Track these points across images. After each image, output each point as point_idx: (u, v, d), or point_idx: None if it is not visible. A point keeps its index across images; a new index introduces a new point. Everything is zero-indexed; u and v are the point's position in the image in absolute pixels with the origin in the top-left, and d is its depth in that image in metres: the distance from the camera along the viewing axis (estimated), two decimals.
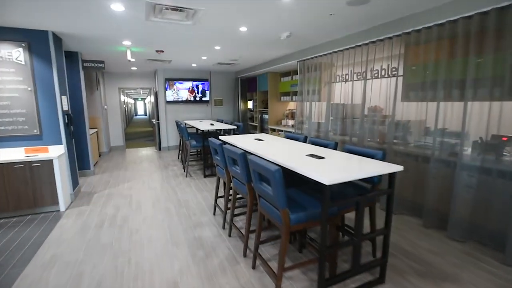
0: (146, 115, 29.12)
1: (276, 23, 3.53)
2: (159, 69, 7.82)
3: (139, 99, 32.81)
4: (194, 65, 7.07)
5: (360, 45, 4.12)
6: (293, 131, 6.10)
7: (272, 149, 2.90)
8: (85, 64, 5.12)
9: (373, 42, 3.88)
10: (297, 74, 6.60)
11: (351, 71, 4.61)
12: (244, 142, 3.35)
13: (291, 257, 2.58)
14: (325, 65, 5.00)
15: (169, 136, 8.28)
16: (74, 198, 4.11)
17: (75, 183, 4.22)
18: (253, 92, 8.36)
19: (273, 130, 7.21)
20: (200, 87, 8.37)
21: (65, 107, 4.03)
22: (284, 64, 5.90)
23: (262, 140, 3.51)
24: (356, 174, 1.93)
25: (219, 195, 3.69)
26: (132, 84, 8.52)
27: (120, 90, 8.46)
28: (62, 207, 3.67)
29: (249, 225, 2.53)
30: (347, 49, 4.37)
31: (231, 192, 3.11)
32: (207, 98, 8.49)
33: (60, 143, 3.85)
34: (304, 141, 3.51)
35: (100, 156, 7.34)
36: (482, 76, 2.71)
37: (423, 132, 3.68)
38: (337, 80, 4.86)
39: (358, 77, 4.41)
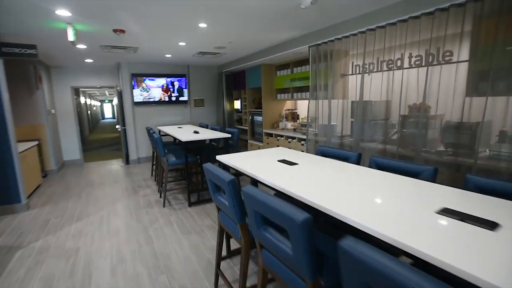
0: (114, 118, 26.61)
1: None
2: (123, 62, 6.20)
3: (106, 101, 30.08)
4: (168, 55, 5.56)
5: (394, 23, 2.98)
6: (295, 136, 4.85)
7: (336, 188, 1.59)
8: (4, 50, 3.47)
9: (416, 17, 2.76)
10: (298, 65, 5.38)
11: (378, 58, 3.48)
12: (266, 171, 2.02)
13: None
14: (344, 52, 3.80)
15: (140, 146, 6.68)
16: None
17: None
18: (241, 89, 7.00)
19: (270, 135, 5.91)
20: (176, 84, 6.86)
21: None
22: (287, 52, 4.61)
23: (293, 163, 2.18)
24: None
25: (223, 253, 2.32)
26: (89, 81, 6.80)
27: (73, 89, 6.70)
28: None
29: None
30: (381, 27, 3.19)
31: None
32: (185, 98, 7.00)
33: None
34: (358, 161, 2.25)
35: (45, 176, 5.60)
36: None
37: (497, 138, 2.62)
38: (358, 71, 3.69)
39: (390, 66, 3.28)
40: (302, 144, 4.91)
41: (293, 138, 5.20)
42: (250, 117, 6.64)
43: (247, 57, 5.89)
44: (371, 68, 3.69)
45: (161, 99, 6.72)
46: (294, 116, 5.73)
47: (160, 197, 4.18)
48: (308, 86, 5.17)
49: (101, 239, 2.95)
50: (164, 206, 3.80)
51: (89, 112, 15.98)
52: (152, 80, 6.55)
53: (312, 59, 4.09)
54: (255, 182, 2.04)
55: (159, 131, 5.42)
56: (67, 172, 5.99)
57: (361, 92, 3.74)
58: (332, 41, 3.75)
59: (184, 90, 6.95)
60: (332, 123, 4.12)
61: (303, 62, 5.32)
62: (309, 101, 4.19)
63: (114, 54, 5.20)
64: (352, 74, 3.88)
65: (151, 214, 3.56)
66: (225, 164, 2.35)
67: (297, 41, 4.31)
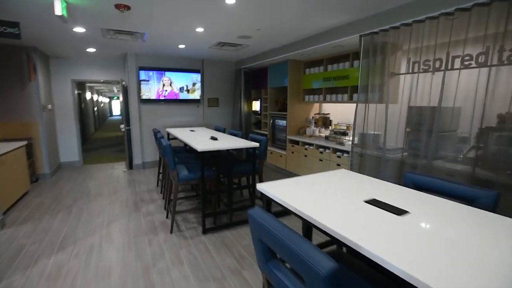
0: (121, 114, 26.09)
1: None
2: (130, 53, 5.45)
3: (115, 97, 29.67)
4: (181, 46, 4.78)
5: (468, 8, 2.17)
6: (328, 145, 3.99)
7: None
8: None
9: None
10: (333, 62, 4.52)
11: (448, 53, 2.70)
12: (361, 228, 1.17)
13: None
14: (396, 45, 2.97)
15: (145, 149, 5.91)
16: None
17: None
18: (261, 89, 6.18)
19: (295, 142, 5.07)
20: (190, 80, 6.08)
21: None
22: (328, 44, 3.77)
23: (396, 209, 1.32)
24: None
25: None
26: (92, 74, 6.06)
27: (74, 82, 5.97)
28: None
29: None
30: (463, 9, 2.36)
31: None
32: (197, 97, 6.21)
33: None
34: (494, 204, 1.39)
35: (36, 181, 4.86)
36: None
37: None
38: (415, 70, 2.88)
39: (466, 62, 2.48)
40: (339, 156, 4.06)
41: (326, 148, 4.34)
42: (271, 121, 5.81)
43: (272, 51, 5.06)
44: (436, 65, 2.85)
45: (170, 96, 5.94)
46: (326, 122, 4.88)
47: (167, 217, 3.36)
48: (345, 87, 4.34)
49: (85, 285, 2.14)
50: (171, 231, 2.98)
51: (95, 108, 15.38)
52: (161, 74, 5.77)
53: (364, 52, 3.23)
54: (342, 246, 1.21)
55: (168, 134, 4.63)
56: (62, 177, 5.24)
57: (421, 94, 2.91)
58: (397, 27, 2.89)
59: (197, 88, 6.16)
60: (374, 132, 3.27)
61: (340, 58, 4.48)
62: (357, 105, 3.33)
63: (119, 42, 4.44)
64: (407, 73, 3.04)
65: (155, 245, 2.75)
66: (268, 197, 1.52)
67: (343, 29, 3.45)
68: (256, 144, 3.02)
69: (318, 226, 1.15)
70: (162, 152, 3.41)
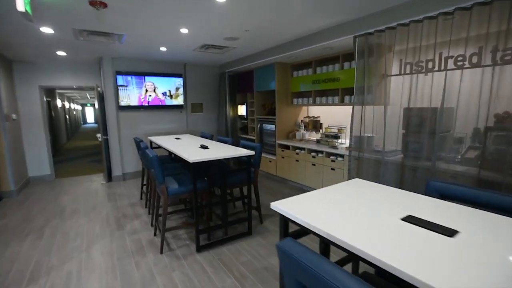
0: (96, 122, 24.87)
1: None
2: (105, 58, 5.06)
3: (88, 104, 28.26)
4: (163, 48, 4.49)
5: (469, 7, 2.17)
6: (321, 149, 3.87)
7: None
8: None
9: None
10: (322, 64, 4.43)
11: (441, 54, 2.70)
12: (405, 254, 0.99)
13: None
14: (387, 46, 2.93)
15: (125, 159, 5.51)
16: None
17: None
18: (246, 92, 6.00)
19: (285, 147, 4.93)
20: (173, 85, 5.77)
21: None
22: (319, 46, 3.66)
23: (442, 228, 1.16)
24: None
25: None
26: (64, 80, 5.58)
27: (43, 89, 5.46)
28: None
29: None
30: (449, 12, 2.35)
31: None
32: (180, 102, 5.91)
33: None
34: None
35: (0, 200, 4.33)
36: None
37: None
38: (407, 71, 2.86)
39: (459, 63, 2.51)
40: (333, 160, 3.96)
41: (319, 152, 4.23)
42: (258, 125, 5.63)
43: (259, 53, 4.90)
44: (429, 66, 2.84)
45: (150, 102, 5.59)
46: (316, 125, 4.77)
47: (155, 235, 3.06)
48: (336, 89, 4.26)
49: None
50: (161, 251, 2.69)
51: (67, 116, 14.45)
52: (140, 79, 5.43)
53: (359, 53, 3.14)
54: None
55: (151, 142, 4.31)
56: (31, 193, 4.73)
57: (414, 96, 2.87)
58: (393, 28, 2.82)
59: (180, 93, 5.86)
60: (370, 135, 3.20)
61: (329, 60, 4.40)
62: (353, 107, 3.23)
63: (94, 45, 4.08)
64: (399, 74, 3.01)
65: (143, 268, 2.45)
66: (285, 217, 1.33)
67: (336, 30, 3.35)
68: (252, 152, 2.82)
69: (358, 253, 0.97)
70: (147, 163, 3.12)
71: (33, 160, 5.43)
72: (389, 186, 1.71)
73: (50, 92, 9.13)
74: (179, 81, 5.83)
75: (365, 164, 3.19)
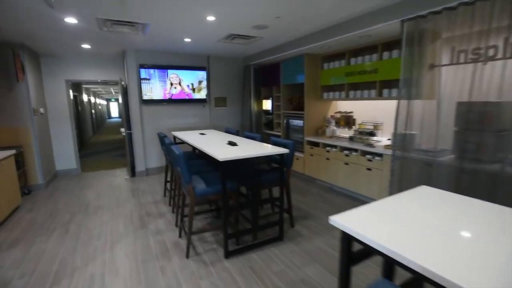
0: (120, 117, 25.60)
1: None
2: (129, 50, 4.96)
3: (112, 99, 29.11)
4: (187, 39, 4.30)
5: None
6: (355, 147, 3.52)
7: None
8: None
9: None
10: (357, 55, 4.04)
11: (507, 39, 2.29)
12: None
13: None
14: (436, 33, 2.54)
15: (148, 154, 5.43)
16: None
17: None
18: (272, 86, 5.72)
19: (314, 144, 4.61)
20: (195, 78, 5.60)
21: None
22: (358, 32, 3.30)
23: None
24: None
25: None
26: (88, 74, 5.57)
27: (69, 83, 5.47)
28: None
29: None
30: None
31: None
32: (204, 96, 5.73)
33: None
34: None
35: (28, 193, 4.37)
36: None
37: None
38: (463, 60, 2.47)
39: None
40: (370, 160, 3.61)
41: (353, 150, 3.89)
42: (285, 121, 5.34)
43: (287, 44, 4.58)
44: (490, 54, 2.44)
45: (173, 96, 5.45)
46: (349, 121, 4.42)
47: (180, 236, 2.89)
48: (373, 82, 3.88)
49: None
50: (187, 256, 2.51)
51: (93, 111, 14.85)
52: (163, 72, 5.29)
53: (407, 40, 2.76)
54: None
55: (174, 138, 4.16)
56: (58, 187, 4.75)
57: (470, 88, 2.48)
58: (453, 8, 2.42)
59: (203, 86, 5.69)
60: (412, 132, 2.83)
61: (365, 50, 4.03)
62: (398, 102, 2.86)
63: (118, 36, 3.95)
64: (451, 64, 2.62)
65: (169, 273, 2.28)
66: (349, 235, 1.06)
67: (378, 15, 2.97)
68: (286, 151, 2.55)
69: None
70: (172, 160, 2.94)
71: (60, 154, 5.48)
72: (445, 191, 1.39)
73: (77, 87, 9.31)
74: (202, 74, 5.64)
75: (411, 165, 2.83)
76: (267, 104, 5.93)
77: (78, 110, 9.08)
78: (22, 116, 4.28)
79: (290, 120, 5.26)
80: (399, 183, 2.94)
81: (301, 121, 4.90)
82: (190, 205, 2.41)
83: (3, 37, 3.80)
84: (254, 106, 5.91)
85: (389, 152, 3.30)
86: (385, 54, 3.64)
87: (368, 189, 3.70)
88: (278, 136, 5.59)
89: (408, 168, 2.86)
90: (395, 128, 2.88)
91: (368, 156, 3.67)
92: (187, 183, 2.34)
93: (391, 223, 1.09)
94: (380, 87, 3.77)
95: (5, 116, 4.17)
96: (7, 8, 2.66)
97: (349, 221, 1.08)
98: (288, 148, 2.77)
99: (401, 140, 2.87)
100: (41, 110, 4.87)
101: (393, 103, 3.93)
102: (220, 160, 2.22)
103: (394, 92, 3.60)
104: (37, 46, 4.40)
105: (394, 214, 1.18)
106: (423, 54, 2.71)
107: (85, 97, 11.37)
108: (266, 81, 5.87)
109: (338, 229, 1.07)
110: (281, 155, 2.61)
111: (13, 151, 3.68)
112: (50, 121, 5.32)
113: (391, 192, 2.98)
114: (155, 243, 2.78)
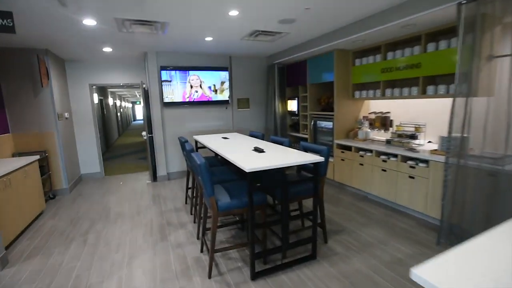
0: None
1: None
2: (150, 52, 4.84)
3: (137, 102, 30.04)
4: (208, 38, 4.08)
5: None
6: (393, 151, 3.09)
7: None
8: None
9: None
10: (395, 48, 3.59)
11: None
12: None
13: None
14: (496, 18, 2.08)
15: (170, 158, 5.30)
16: None
17: None
18: (298, 86, 5.38)
19: (346, 148, 4.22)
20: (218, 79, 5.39)
21: None
22: (404, 20, 2.89)
23: None
24: None
25: None
26: (111, 78, 5.55)
27: (92, 87, 5.48)
28: None
29: None
30: None
31: None
32: (226, 97, 5.51)
33: None
34: None
35: (53, 198, 4.37)
36: None
37: None
38: None
39: None
40: (412, 167, 3.18)
41: (392, 155, 3.47)
42: (312, 122, 4.98)
43: (315, 40, 4.23)
44: None
45: (194, 98, 5.28)
46: (385, 123, 3.98)
47: (202, 251, 2.65)
48: (415, 78, 3.43)
49: None
50: (210, 276, 2.25)
51: (119, 114, 15.25)
52: (184, 73, 5.13)
53: (466, 27, 2.32)
54: None
55: (196, 142, 3.95)
56: (82, 191, 4.73)
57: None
58: None
59: (225, 87, 5.46)
60: (464, 135, 2.37)
61: (403, 43, 3.60)
62: (454, 99, 2.43)
63: (138, 37, 3.81)
64: None
65: None
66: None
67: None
68: (321, 159, 2.22)
69: None
70: (193, 169, 2.71)
71: (84, 158, 5.50)
72: None
73: (102, 91, 9.50)
74: (224, 75, 5.42)
75: (469, 174, 2.39)
76: (292, 105, 5.60)
77: (104, 114, 9.25)
78: (47, 121, 4.28)
79: (318, 122, 4.89)
80: (454, 196, 2.50)
81: (330, 123, 4.52)
82: (212, 220, 2.15)
83: (28, 43, 3.79)
84: (278, 107, 5.59)
85: (437, 158, 2.86)
86: (430, 46, 3.19)
87: (411, 200, 3.26)
88: (305, 139, 5.25)
89: (465, 178, 2.42)
90: (450, 131, 2.44)
91: (410, 162, 3.24)
92: (209, 195, 2.08)
93: (498, 281, 0.74)
94: (424, 83, 3.33)
95: (31, 121, 4.18)
96: (25, 12, 2.56)
97: (440, 277, 0.75)
98: (322, 155, 2.44)
99: (456, 145, 2.43)
100: (66, 114, 4.88)
101: (437, 102, 3.47)
102: (247, 170, 1.94)
103: (442, 89, 3.14)
104: (61, 51, 4.39)
105: (500, 263, 0.82)
106: (485, 43, 2.27)
107: (110, 101, 11.64)
108: (291, 80, 5.53)
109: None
110: (316, 163, 2.28)
111: (37, 157, 3.65)
112: (75, 125, 5.35)
113: (445, 207, 2.54)
114: (175, 258, 2.55)
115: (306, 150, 2.76)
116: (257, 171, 1.99)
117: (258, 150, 2.60)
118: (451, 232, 2.61)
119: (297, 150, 2.64)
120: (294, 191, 2.38)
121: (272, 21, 3.31)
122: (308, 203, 3.63)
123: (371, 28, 3.21)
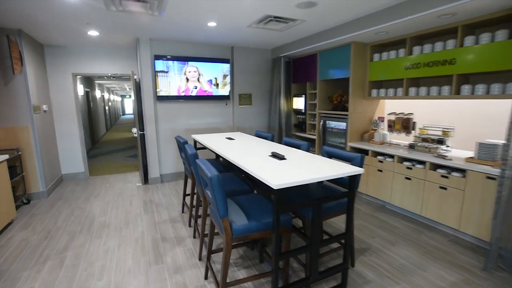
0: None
1: None
2: (143, 38, 4.29)
3: (127, 96, 28.98)
4: (211, 24, 3.57)
5: None
6: (419, 158, 2.70)
7: None
8: None
9: None
10: (423, 42, 3.16)
11: None
12: None
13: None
14: None
15: (163, 158, 4.77)
16: None
17: None
18: (306, 82, 4.93)
19: (361, 151, 3.81)
20: (219, 72, 4.88)
21: None
22: (446, 8, 2.47)
23: None
24: None
25: None
26: (98, 67, 4.95)
27: (76, 77, 4.87)
28: None
29: None
30: None
31: None
32: (226, 92, 5.01)
33: None
34: None
35: (28, 203, 3.79)
36: None
37: None
38: None
39: None
40: (445, 176, 2.80)
41: (418, 162, 3.08)
42: (321, 122, 4.55)
43: (332, 30, 3.78)
44: None
45: (192, 92, 4.76)
46: (407, 125, 3.59)
47: (206, 278, 2.18)
48: (447, 76, 3.03)
49: None
50: None
51: (107, 108, 14.45)
52: (183, 63, 4.60)
53: None
54: None
55: (195, 142, 3.46)
56: (62, 195, 4.16)
57: None
58: None
59: (227, 81, 4.96)
60: (500, 141, 2.00)
61: (432, 36, 3.21)
62: None
63: (129, 19, 3.27)
64: None
65: None
66: None
67: None
68: (361, 170, 1.79)
69: None
70: (196, 177, 2.23)
71: (66, 156, 4.91)
72: None
73: (89, 83, 8.81)
74: (227, 67, 4.92)
75: None
76: (298, 103, 5.15)
77: (90, 107, 8.58)
78: (19, 113, 3.68)
79: (327, 122, 4.47)
80: (506, 215, 2.12)
81: (342, 123, 4.11)
82: (225, 249, 1.68)
83: None
84: (283, 104, 5.14)
85: (477, 168, 2.48)
86: (468, 40, 2.80)
87: (441, 214, 2.88)
88: (312, 140, 4.83)
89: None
90: (509, 138, 2.05)
91: (441, 171, 2.85)
92: (223, 217, 1.61)
93: None
94: (459, 82, 2.94)
95: (0, 113, 3.58)
96: None
97: None
98: (354, 164, 2.00)
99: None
100: (44, 107, 4.27)
101: (465, 103, 3.10)
102: (275, 188, 1.48)
103: (480, 88, 2.75)
104: (38, 33, 3.79)
105: None
106: None
107: (98, 93, 10.91)
108: (299, 76, 5.08)
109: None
110: (352, 176, 1.84)
111: (6, 156, 3.07)
112: (56, 119, 4.74)
113: (496, 227, 2.16)
114: (173, 287, 2.07)
115: (330, 156, 2.32)
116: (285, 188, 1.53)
117: (277, 156, 2.14)
118: (499, 256, 2.23)
119: (325, 158, 2.19)
120: (325, 209, 1.93)
121: (289, 5, 2.84)
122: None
123: (402, 17, 2.78)
